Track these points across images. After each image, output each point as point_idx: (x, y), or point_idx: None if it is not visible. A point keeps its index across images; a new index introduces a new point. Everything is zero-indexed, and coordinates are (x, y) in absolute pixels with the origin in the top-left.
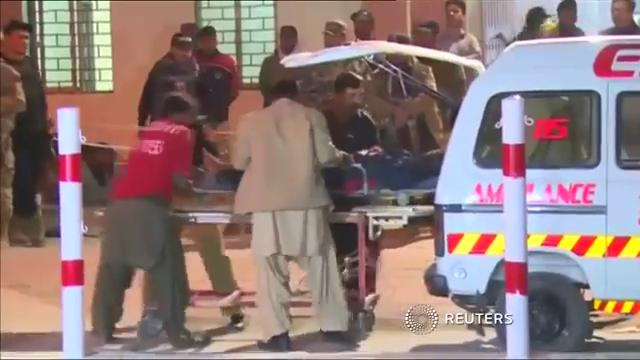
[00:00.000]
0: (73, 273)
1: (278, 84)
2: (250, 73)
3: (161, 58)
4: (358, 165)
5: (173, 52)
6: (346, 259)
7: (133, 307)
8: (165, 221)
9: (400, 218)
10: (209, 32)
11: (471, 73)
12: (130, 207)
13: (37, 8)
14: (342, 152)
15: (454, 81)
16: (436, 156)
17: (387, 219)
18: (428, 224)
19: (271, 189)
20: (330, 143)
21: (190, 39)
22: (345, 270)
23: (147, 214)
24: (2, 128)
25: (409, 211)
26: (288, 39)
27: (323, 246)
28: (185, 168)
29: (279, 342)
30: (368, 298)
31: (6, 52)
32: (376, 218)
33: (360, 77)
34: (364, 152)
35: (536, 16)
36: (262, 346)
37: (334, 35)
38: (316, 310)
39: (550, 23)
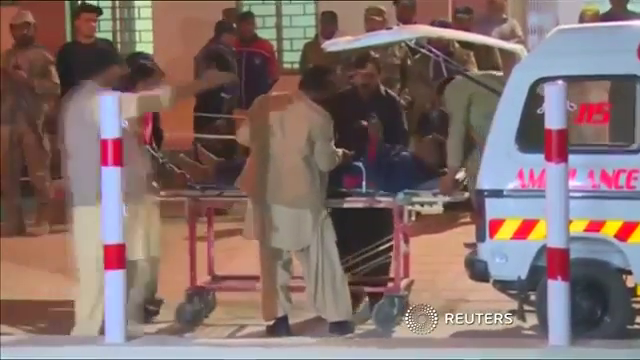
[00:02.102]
0: (115, 257)
1: (306, 74)
2: (291, 58)
3: (207, 45)
4: (358, 164)
5: (223, 37)
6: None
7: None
8: None
9: (435, 203)
10: (248, 17)
11: (513, 58)
12: None
13: None
14: (341, 150)
15: (489, 66)
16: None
17: (423, 204)
18: (468, 210)
19: (262, 178)
20: (331, 153)
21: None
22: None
23: None
24: (40, 111)
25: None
26: (328, 24)
27: (312, 240)
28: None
29: (278, 326)
30: (403, 283)
31: (76, 35)
32: (411, 203)
33: (398, 61)
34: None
35: None
36: (268, 331)
37: (375, 20)
38: (310, 302)
39: (591, 7)
